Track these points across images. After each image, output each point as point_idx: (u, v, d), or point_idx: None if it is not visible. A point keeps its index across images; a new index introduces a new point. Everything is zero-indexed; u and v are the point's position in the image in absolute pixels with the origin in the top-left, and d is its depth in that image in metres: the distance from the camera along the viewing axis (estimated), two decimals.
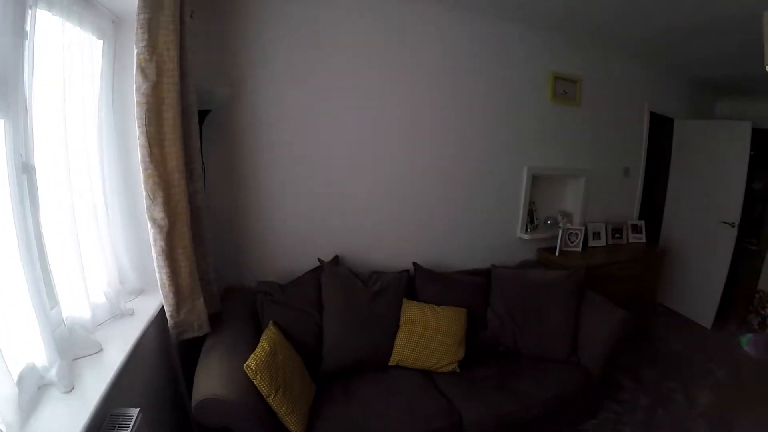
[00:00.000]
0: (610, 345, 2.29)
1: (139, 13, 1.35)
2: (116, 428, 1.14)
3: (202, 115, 1.77)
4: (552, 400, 2.09)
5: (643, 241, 3.97)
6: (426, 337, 2.14)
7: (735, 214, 3.96)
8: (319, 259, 2.28)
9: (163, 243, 1.49)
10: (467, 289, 2.45)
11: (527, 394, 2.06)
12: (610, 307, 2.45)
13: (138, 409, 1.21)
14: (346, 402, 1.84)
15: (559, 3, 2.38)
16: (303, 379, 1.80)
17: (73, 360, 1.25)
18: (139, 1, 1.35)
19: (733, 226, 3.96)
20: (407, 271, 2.40)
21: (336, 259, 2.36)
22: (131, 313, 1.57)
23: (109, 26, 1.54)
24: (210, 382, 1.46)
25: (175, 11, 1.43)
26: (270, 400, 1.54)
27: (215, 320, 1.80)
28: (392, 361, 2.13)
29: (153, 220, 1.47)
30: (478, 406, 1.93)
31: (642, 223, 4.05)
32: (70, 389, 1.15)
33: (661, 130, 4.73)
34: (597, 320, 2.39)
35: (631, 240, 3.92)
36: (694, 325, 4.23)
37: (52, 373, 1.13)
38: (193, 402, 1.39)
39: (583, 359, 2.37)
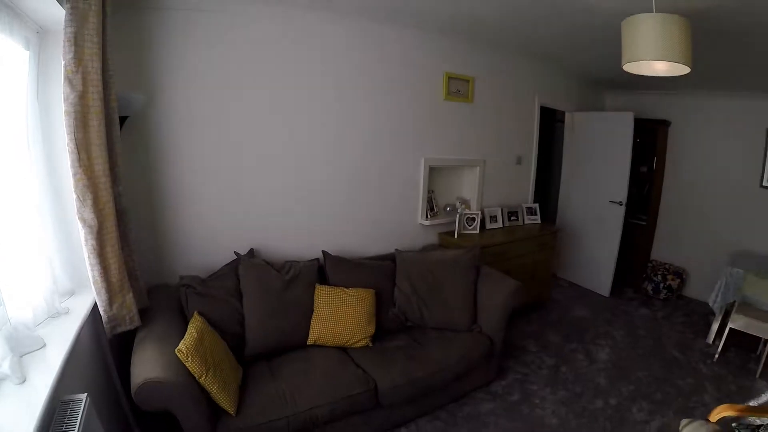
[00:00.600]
0: (505, 311, 2.94)
1: (66, 27, 1.59)
2: (68, 412, 1.38)
3: (121, 120, 2.03)
4: (458, 364, 2.65)
5: (539, 222, 4.79)
6: (338, 316, 2.58)
7: (622, 193, 4.96)
8: (235, 252, 2.62)
9: (94, 242, 1.76)
10: (375, 272, 2.96)
11: (435, 359, 2.60)
12: (504, 278, 3.10)
13: (86, 394, 1.46)
14: (272, 379, 2.22)
15: (446, 10, 2.88)
16: (230, 361, 2.15)
17: (20, 356, 1.48)
18: (66, 16, 1.58)
19: (621, 205, 4.97)
20: (318, 259, 2.86)
21: (251, 252, 2.73)
22: (67, 312, 1.80)
23: (34, 37, 1.74)
24: (146, 367, 1.75)
25: (99, 25, 1.68)
26: (202, 380, 1.86)
27: (144, 315, 2.08)
28: (310, 341, 2.55)
29: (84, 221, 1.73)
30: (391, 372, 2.40)
31: (536, 205, 4.87)
32: (23, 381, 1.38)
33: (554, 121, 5.75)
34: (492, 291, 3.02)
35: (527, 222, 4.70)
36: (594, 295, 5.25)
37: (5, 367, 1.36)
38: (133, 388, 1.66)
39: (483, 326, 2.99)
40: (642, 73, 2.30)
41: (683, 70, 2.08)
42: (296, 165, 2.97)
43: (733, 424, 2.19)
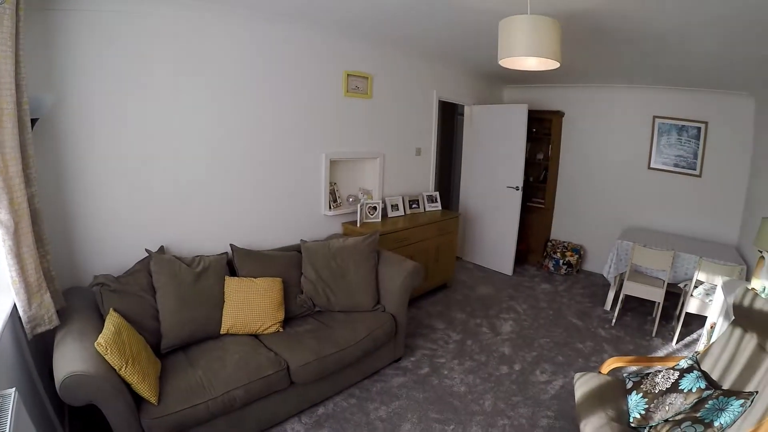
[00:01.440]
0: (405, 291, 3.58)
1: None
2: None
3: (32, 122, 2.34)
4: (365, 341, 3.20)
5: (439, 208, 5.56)
6: (248, 305, 3.04)
7: (519, 179, 5.93)
8: (146, 250, 2.99)
9: (11, 242, 2.08)
10: (282, 262, 3.46)
11: (343, 338, 3.14)
12: (403, 261, 3.73)
13: (14, 388, 1.61)
14: (189, 367, 2.62)
15: (344, 10, 3.40)
16: (148, 353, 2.50)
17: None
18: None
19: (518, 190, 5.93)
20: (226, 253, 3.31)
21: (162, 249, 3.12)
22: None
23: None
24: (68, 362, 2.02)
25: (13, 28, 1.99)
26: (122, 372, 2.19)
27: (62, 315, 2.38)
28: (223, 330, 2.99)
29: (0, 222, 2.08)
30: (301, 352, 2.90)
31: (437, 193, 5.64)
32: None
33: (456, 114, 6.74)
34: (392, 273, 3.64)
35: (428, 209, 5.45)
36: (498, 274, 6.20)
37: None
38: (57, 383, 1.93)
39: (387, 306, 3.61)
40: (515, 68, 2.99)
41: (553, 65, 2.77)
42: (203, 163, 3.40)
43: (624, 375, 2.91)
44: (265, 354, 2.83)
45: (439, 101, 5.75)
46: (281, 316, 3.20)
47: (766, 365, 2.32)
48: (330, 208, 4.37)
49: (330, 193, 4.37)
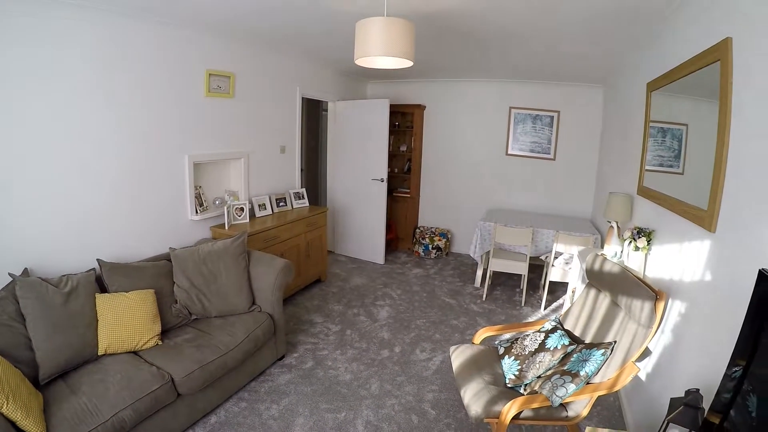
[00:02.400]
0: (279, 288, 3.76)
1: None
2: None
3: None
4: (245, 343, 3.34)
5: (307, 205, 5.77)
6: (123, 321, 3.03)
7: (383, 171, 6.35)
8: (9, 274, 2.84)
9: None
10: (152, 273, 3.46)
11: (223, 343, 3.25)
12: (273, 259, 3.91)
13: None
14: (72, 395, 2.56)
15: (204, 6, 3.48)
16: (27, 387, 2.41)
17: None
18: None
19: (383, 181, 6.34)
20: (94, 269, 3.25)
21: (26, 271, 2.98)
22: None
23: None
24: None
25: None
26: (3, 410, 2.13)
27: None
28: (101, 351, 2.95)
29: None
30: (183, 363, 2.96)
31: (303, 190, 5.84)
32: None
33: (320, 110, 7.02)
34: (264, 272, 3.80)
35: (295, 206, 5.65)
36: (370, 264, 6.60)
37: None
38: None
39: (262, 306, 3.76)
40: (371, 66, 3.28)
41: (407, 63, 3.07)
42: (63, 175, 3.28)
43: (496, 342, 3.35)
44: (147, 369, 2.86)
45: (303, 98, 6.00)
46: (158, 328, 3.23)
47: (620, 318, 2.87)
48: (197, 212, 4.39)
49: (196, 197, 4.39)
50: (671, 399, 1.81)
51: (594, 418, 3.28)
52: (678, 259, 2.79)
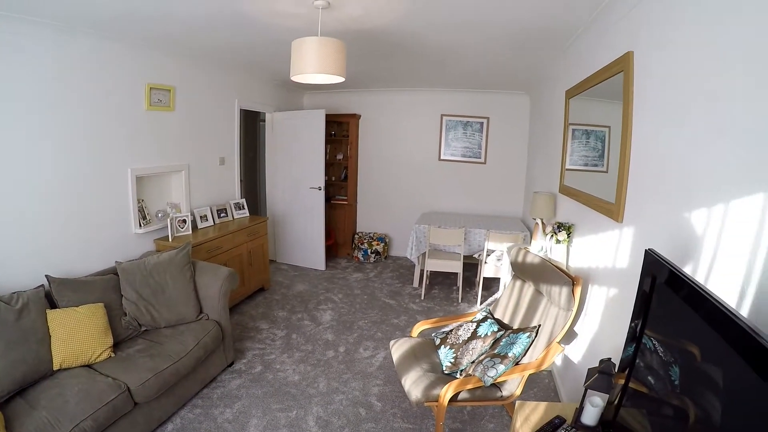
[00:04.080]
0: (224, 296, 3.94)
1: None
2: None
3: None
4: (196, 350, 3.48)
5: (247, 215, 5.93)
6: (75, 335, 3.12)
7: (320, 180, 6.59)
8: None
9: None
10: (100, 287, 3.55)
11: (174, 351, 3.38)
12: (217, 268, 4.07)
13: None
14: (32, 411, 2.63)
15: (143, 21, 3.59)
16: None
17: None
18: None
19: (320, 190, 6.57)
20: (43, 285, 3.31)
21: None
22: None
23: None
24: None
25: None
26: None
27: None
28: (56, 366, 3.03)
29: None
30: (137, 372, 3.09)
31: (243, 200, 5.99)
32: None
33: (259, 121, 7.22)
34: (209, 281, 3.96)
35: (236, 216, 5.80)
36: (312, 271, 6.82)
37: None
38: None
39: (210, 314, 3.92)
40: (306, 82, 3.53)
41: (338, 79, 3.34)
42: (3, 194, 3.31)
43: (433, 335, 3.65)
44: (103, 381, 2.97)
45: (241, 110, 6.15)
46: (110, 341, 3.33)
47: (543, 304, 3.25)
48: (140, 225, 4.48)
49: (139, 210, 4.48)
50: (588, 369, 2.14)
51: (531, 398, 3.64)
52: (595, 248, 3.21)
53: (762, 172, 1.42)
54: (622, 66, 2.72)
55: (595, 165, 3.31)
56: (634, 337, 1.78)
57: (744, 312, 1.45)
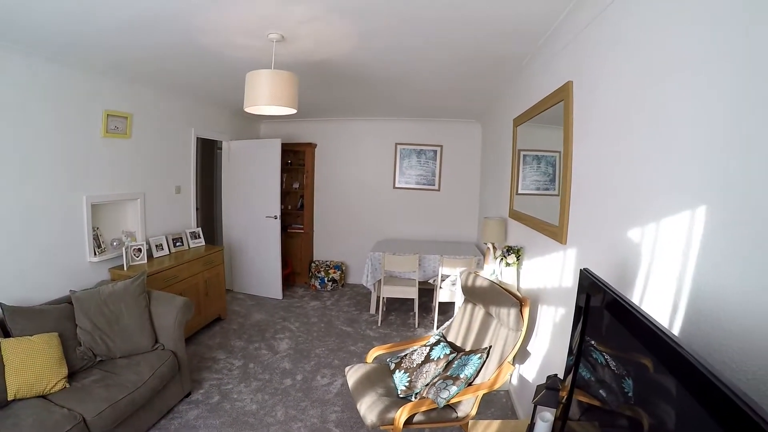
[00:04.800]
0: (180, 326, 3.95)
1: None
2: None
3: None
4: (152, 380, 3.46)
5: (203, 244, 5.94)
6: (30, 365, 3.07)
7: (276, 209, 6.65)
8: None
9: None
10: (55, 316, 3.51)
11: (130, 381, 3.36)
12: (173, 298, 4.08)
13: None
14: None
15: (101, 49, 3.66)
16: None
17: None
18: None
19: (276, 219, 6.61)
20: None
21: None
22: None
23: None
24: None
25: None
26: None
27: None
28: (10, 396, 2.96)
29: None
30: (93, 403, 3.05)
31: (199, 229, 6.00)
32: None
33: (215, 149, 7.26)
34: (165, 311, 3.97)
35: (192, 245, 5.78)
36: (269, 300, 6.83)
37: None
38: None
39: (166, 344, 3.90)
40: (259, 114, 3.66)
41: (290, 111, 3.47)
42: None
43: (387, 359, 3.73)
44: (58, 412, 2.93)
45: (198, 138, 6.20)
46: (65, 371, 3.28)
47: (493, 325, 3.40)
48: (95, 254, 4.43)
49: (94, 238, 4.44)
50: (537, 386, 2.28)
51: (489, 418, 3.72)
52: (543, 270, 3.40)
53: (687, 193, 1.59)
54: (563, 95, 2.94)
55: (547, 189, 3.46)
56: (572, 353, 1.91)
57: (678, 323, 1.61)
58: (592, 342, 1.74)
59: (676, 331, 1.61)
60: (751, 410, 0.82)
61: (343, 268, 7.86)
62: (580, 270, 1.87)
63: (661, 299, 1.73)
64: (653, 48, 1.89)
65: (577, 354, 1.85)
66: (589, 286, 1.76)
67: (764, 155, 1.22)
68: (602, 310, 1.63)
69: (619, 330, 1.49)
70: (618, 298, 1.48)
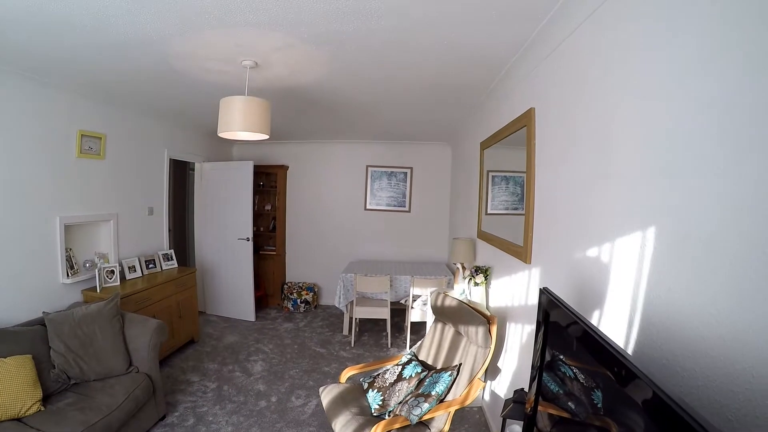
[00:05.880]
0: (154, 348, 3.96)
1: None
2: None
3: None
4: (126, 403, 3.46)
5: (176, 266, 5.94)
6: (3, 388, 3.04)
7: (248, 231, 6.70)
8: None
9: None
10: (28, 338, 3.50)
11: (105, 404, 3.35)
12: (146, 320, 4.09)
13: None
14: None
15: (75, 71, 3.71)
16: None
17: None
18: None
19: (249, 240, 6.67)
20: None
21: None
22: None
23: None
24: None
25: None
26: None
27: None
28: None
29: None
30: (69, 426, 3.04)
31: (171, 251, 5.99)
32: None
33: (188, 171, 7.30)
34: (138, 333, 3.98)
35: (164, 267, 5.78)
36: (242, 322, 6.84)
37: None
38: None
39: (140, 366, 3.90)
40: (232, 139, 3.76)
41: (263, 137, 3.59)
42: None
43: (361, 379, 3.80)
44: None
45: (171, 159, 6.22)
46: (39, 394, 3.27)
47: (463, 343, 3.51)
48: (68, 275, 4.41)
49: (67, 259, 4.42)
50: (505, 400, 2.40)
51: None
52: (510, 289, 3.55)
53: (636, 216, 1.74)
54: (525, 121, 3.12)
55: (516, 208, 3.57)
56: (535, 367, 2.01)
57: (633, 335, 1.74)
58: (556, 355, 1.85)
59: (631, 342, 1.74)
60: (689, 416, 0.90)
61: (316, 290, 7.91)
62: (540, 289, 1.99)
63: (618, 314, 1.86)
64: (604, 79, 2.07)
65: (539, 368, 1.95)
66: (547, 303, 1.87)
67: (700, 181, 1.37)
68: (559, 326, 1.74)
69: (573, 344, 1.61)
70: (572, 314, 1.59)
